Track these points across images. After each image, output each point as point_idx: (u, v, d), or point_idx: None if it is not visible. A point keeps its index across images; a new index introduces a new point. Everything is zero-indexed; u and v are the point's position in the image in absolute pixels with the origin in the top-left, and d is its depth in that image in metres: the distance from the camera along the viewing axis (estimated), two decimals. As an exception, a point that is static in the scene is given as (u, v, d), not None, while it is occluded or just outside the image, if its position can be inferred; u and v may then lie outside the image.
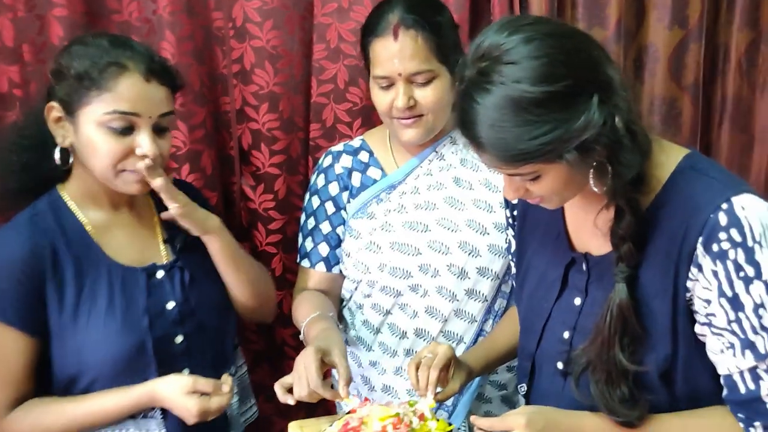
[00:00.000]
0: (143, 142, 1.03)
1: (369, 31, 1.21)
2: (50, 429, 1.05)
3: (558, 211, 0.99)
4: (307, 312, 1.21)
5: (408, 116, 1.20)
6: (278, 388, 1.07)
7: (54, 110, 1.05)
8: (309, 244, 1.33)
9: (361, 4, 1.47)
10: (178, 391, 1.04)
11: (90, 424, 1.06)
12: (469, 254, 1.23)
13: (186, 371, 1.12)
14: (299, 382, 1.03)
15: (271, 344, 1.65)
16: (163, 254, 1.15)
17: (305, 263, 1.33)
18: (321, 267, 1.32)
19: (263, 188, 1.53)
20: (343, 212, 1.31)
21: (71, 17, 1.34)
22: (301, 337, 1.21)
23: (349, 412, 1.01)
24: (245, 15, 1.45)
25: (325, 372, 1.06)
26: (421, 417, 0.97)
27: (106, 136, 1.02)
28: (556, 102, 0.78)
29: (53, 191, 1.10)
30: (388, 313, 1.27)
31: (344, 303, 1.37)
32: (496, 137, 0.80)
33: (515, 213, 1.09)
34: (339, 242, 1.31)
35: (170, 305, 1.11)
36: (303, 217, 1.35)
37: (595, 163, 0.83)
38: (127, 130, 1.02)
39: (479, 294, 1.24)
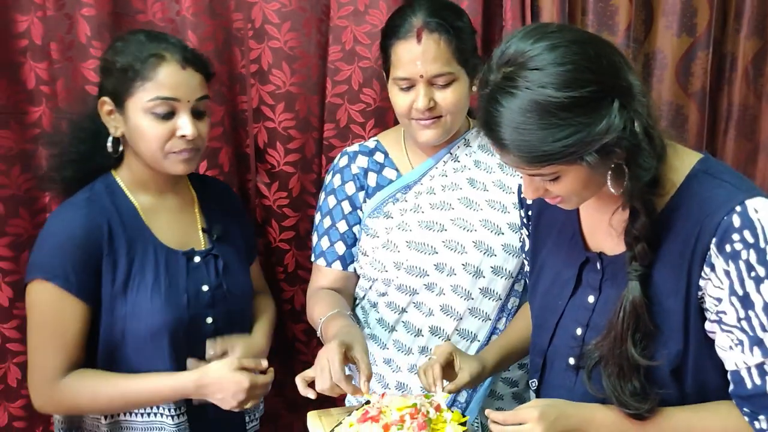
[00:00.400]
0: (183, 124, 1.13)
1: (391, 33, 1.23)
2: (101, 397, 1.13)
3: (573, 211, 1.02)
4: (324, 310, 1.23)
5: (428, 117, 1.22)
6: (300, 381, 1.08)
7: (106, 104, 1.16)
8: (325, 243, 1.34)
9: (377, 8, 1.51)
10: (227, 368, 1.12)
11: (137, 400, 1.14)
12: (485, 253, 1.25)
13: (211, 352, 1.20)
14: (322, 374, 1.04)
15: (281, 340, 1.68)
16: (201, 241, 1.25)
17: (321, 262, 1.35)
18: (337, 265, 1.34)
19: (278, 186, 1.57)
20: (359, 212, 1.33)
21: (99, 16, 1.39)
22: (318, 334, 1.22)
23: (366, 403, 1.04)
24: (264, 16, 1.50)
25: None
26: (437, 408, 1.00)
27: (152, 121, 1.12)
28: (580, 107, 0.81)
29: (108, 175, 1.21)
30: (403, 311, 1.29)
31: (357, 302, 1.39)
32: (520, 139, 0.83)
33: (530, 213, 1.12)
34: (355, 241, 1.33)
35: (205, 288, 1.21)
36: (318, 216, 1.37)
37: (613, 165, 0.86)
38: (169, 115, 1.13)
39: (493, 293, 1.26)
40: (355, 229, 1.33)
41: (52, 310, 1.11)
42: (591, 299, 0.98)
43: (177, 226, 1.23)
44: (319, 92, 1.57)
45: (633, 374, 0.89)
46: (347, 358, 1.07)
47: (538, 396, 1.06)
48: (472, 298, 1.26)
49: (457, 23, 1.23)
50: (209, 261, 1.23)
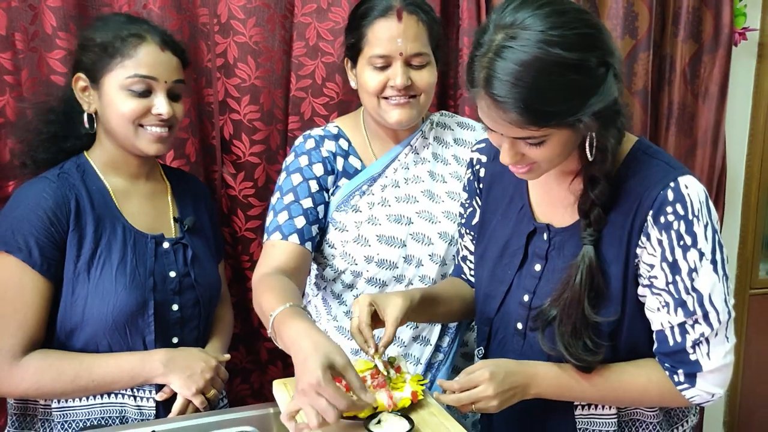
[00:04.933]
0: (159, 103, 1.15)
1: (368, 13, 1.24)
2: (65, 375, 1.09)
3: (522, 185, 1.08)
4: (274, 302, 1.03)
5: (403, 95, 1.23)
6: (286, 420, 0.90)
7: (80, 80, 1.17)
8: (283, 217, 1.26)
9: (339, 6, 1.57)
10: (195, 350, 1.16)
11: (103, 379, 1.11)
12: (449, 243, 1.30)
13: (175, 340, 1.20)
14: (321, 408, 0.84)
15: (247, 327, 1.71)
16: (172, 229, 1.25)
17: (275, 236, 1.24)
18: (294, 238, 1.24)
19: (243, 176, 1.60)
20: (325, 193, 1.31)
21: (64, 7, 1.40)
22: (269, 330, 1.01)
23: None
24: (230, 12, 1.53)
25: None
26: (398, 369, 1.04)
27: (128, 97, 1.14)
28: (586, 70, 0.84)
29: (80, 155, 1.20)
30: None
31: (316, 293, 1.39)
32: (526, 97, 0.83)
33: (481, 186, 1.17)
34: (316, 220, 1.28)
35: (172, 274, 1.20)
36: (277, 195, 1.30)
37: (591, 133, 0.90)
38: (146, 93, 1.15)
39: None
40: (320, 209, 1.29)
41: (12, 285, 1.07)
42: (538, 267, 1.04)
43: (148, 212, 1.23)
44: (284, 86, 1.61)
45: (585, 331, 0.95)
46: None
47: None
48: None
49: (429, 8, 1.28)
50: (178, 249, 1.23)
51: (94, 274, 1.11)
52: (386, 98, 1.25)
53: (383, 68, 1.23)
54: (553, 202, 1.04)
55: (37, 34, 1.42)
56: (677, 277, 0.93)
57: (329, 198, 1.33)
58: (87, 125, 1.18)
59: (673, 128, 1.96)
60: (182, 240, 1.24)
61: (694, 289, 0.92)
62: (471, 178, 1.20)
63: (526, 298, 1.05)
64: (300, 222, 1.27)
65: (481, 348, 1.13)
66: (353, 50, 1.28)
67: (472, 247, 1.20)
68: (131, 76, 1.13)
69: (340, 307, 1.35)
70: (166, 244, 1.21)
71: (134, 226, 1.19)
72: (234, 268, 1.66)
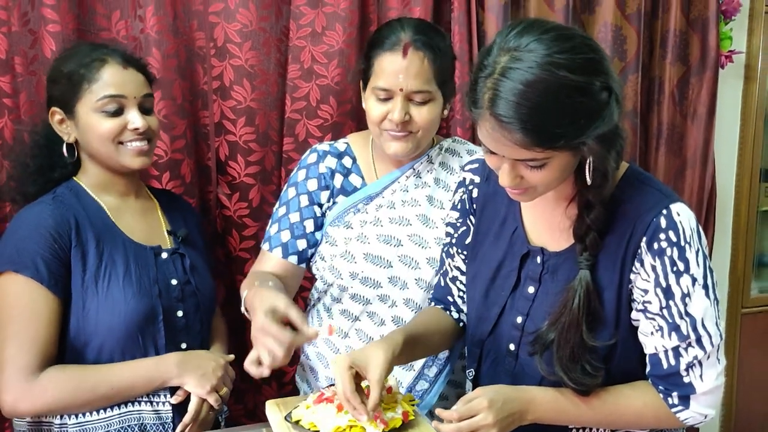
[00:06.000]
0: (133, 118, 1.20)
1: (377, 44, 1.26)
2: (85, 386, 1.12)
3: (515, 207, 1.09)
4: (249, 284, 1.20)
5: (400, 130, 1.25)
6: (250, 366, 1.04)
7: (56, 114, 1.21)
8: (273, 229, 1.34)
9: (334, 30, 1.60)
10: (204, 352, 1.22)
11: (120, 385, 1.14)
12: (437, 270, 1.27)
13: (184, 345, 1.24)
14: (269, 346, 1.00)
15: (240, 348, 1.70)
16: (167, 241, 1.30)
17: (265, 246, 1.35)
18: (278, 252, 1.32)
19: (238, 197, 1.62)
20: (316, 208, 1.34)
21: (63, 32, 1.43)
22: (242, 309, 1.19)
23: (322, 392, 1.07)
24: (226, 36, 1.56)
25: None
26: (389, 390, 1.05)
27: (102, 118, 1.19)
28: (592, 94, 0.85)
29: (70, 181, 1.24)
30: (356, 319, 1.32)
31: (313, 303, 1.42)
32: (532, 117, 0.84)
33: (474, 207, 1.16)
34: (303, 235, 1.33)
35: (174, 282, 1.25)
36: (276, 205, 1.38)
37: (591, 158, 0.90)
38: (119, 111, 1.19)
39: None
40: (308, 223, 1.33)
41: (23, 303, 1.10)
42: (531, 290, 1.05)
43: (143, 226, 1.27)
44: (279, 108, 1.63)
45: (584, 355, 0.95)
46: (283, 323, 1.02)
47: (476, 383, 1.11)
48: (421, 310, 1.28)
49: (441, 45, 1.27)
50: (176, 258, 1.27)
51: (102, 286, 1.15)
52: (386, 129, 1.27)
53: (385, 100, 1.25)
54: (548, 225, 1.05)
55: (36, 57, 1.44)
56: (671, 302, 0.94)
57: (324, 212, 1.35)
58: (67, 154, 1.22)
59: (663, 149, 1.99)
60: (178, 250, 1.29)
61: (688, 314, 0.94)
62: (464, 197, 1.19)
63: (519, 320, 1.05)
64: (285, 236, 1.33)
65: (472, 370, 1.14)
66: (364, 76, 1.31)
67: (463, 267, 1.20)
68: (101, 98, 1.17)
69: (329, 320, 1.36)
70: (164, 254, 1.25)
71: (132, 239, 1.22)
72: (228, 288, 1.67)
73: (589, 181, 0.92)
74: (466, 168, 1.20)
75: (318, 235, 1.35)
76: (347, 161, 1.38)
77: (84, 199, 1.22)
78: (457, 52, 1.72)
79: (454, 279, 1.22)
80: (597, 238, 0.96)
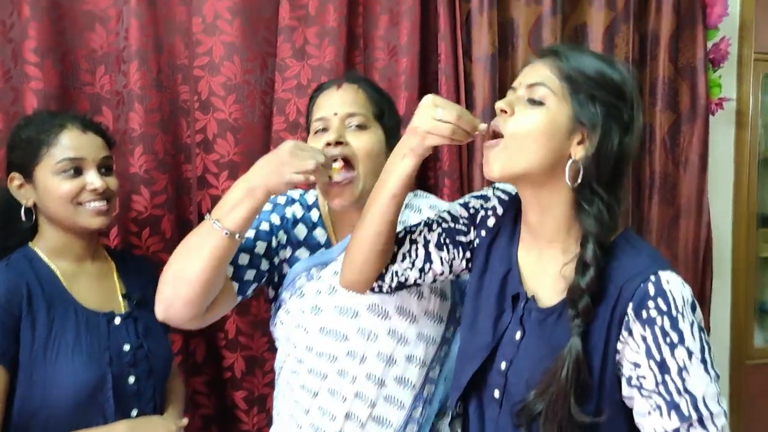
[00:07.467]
0: (92, 179, 1.21)
1: (317, 91, 1.28)
2: None
3: (514, 256, 1.05)
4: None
5: (339, 154, 1.17)
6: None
7: (15, 179, 1.22)
8: None
9: (318, 81, 1.60)
10: (156, 417, 1.19)
11: None
12: (398, 342, 1.20)
13: (134, 412, 1.21)
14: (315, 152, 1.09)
15: (221, 407, 1.65)
16: (121, 305, 1.28)
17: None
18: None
19: (221, 251, 1.59)
20: (273, 238, 1.24)
21: (46, 89, 1.43)
22: (211, 220, 1.09)
23: None
24: (210, 89, 1.56)
25: None
26: None
27: (61, 180, 1.20)
28: (623, 107, 0.93)
29: (25, 247, 1.24)
30: (316, 395, 1.22)
31: (278, 373, 1.31)
32: (578, 60, 0.94)
33: (483, 234, 1.10)
34: (250, 249, 1.21)
35: (126, 347, 1.22)
36: None
37: (580, 160, 0.93)
38: (77, 172, 1.21)
39: (407, 381, 1.20)
40: (260, 244, 1.22)
41: None
42: (518, 335, 1.00)
43: (97, 291, 1.26)
44: (263, 161, 1.62)
45: (572, 430, 0.90)
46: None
47: (465, 428, 1.05)
48: (386, 386, 1.20)
49: (380, 90, 1.27)
50: (129, 323, 1.26)
51: (50, 356, 1.13)
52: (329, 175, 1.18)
53: (323, 131, 1.21)
54: (542, 277, 1.01)
55: (17, 114, 1.43)
56: (667, 377, 0.88)
57: (279, 253, 1.26)
58: (25, 218, 1.23)
59: (656, 197, 1.97)
60: (132, 314, 1.27)
61: (687, 391, 0.88)
62: (480, 212, 1.12)
63: (503, 366, 1.00)
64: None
65: (457, 414, 1.07)
66: (307, 131, 1.29)
67: (431, 250, 1.10)
68: (60, 160, 1.19)
69: (291, 396, 1.25)
70: (117, 320, 1.24)
71: (85, 306, 1.21)
72: (209, 345, 1.62)
73: (568, 181, 0.93)
74: (497, 192, 1.13)
75: (264, 265, 1.23)
76: (314, 214, 1.30)
77: (37, 265, 1.21)
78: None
79: (413, 242, 1.12)
80: (590, 305, 0.92)
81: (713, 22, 1.96)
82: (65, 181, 1.19)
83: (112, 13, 1.51)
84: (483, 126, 0.99)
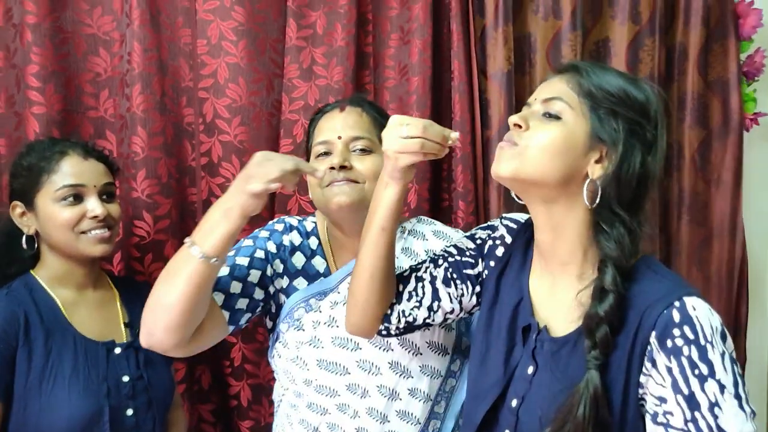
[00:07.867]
0: (92, 206, 1.20)
1: (318, 113, 1.26)
2: None
3: (525, 286, 0.99)
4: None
5: (342, 179, 1.15)
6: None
7: (17, 207, 1.22)
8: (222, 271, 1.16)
9: (327, 101, 1.55)
10: None
11: None
12: (401, 375, 1.16)
13: None
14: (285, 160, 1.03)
15: (229, 436, 1.61)
16: (123, 334, 1.27)
17: None
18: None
19: (226, 277, 1.55)
20: (269, 267, 1.20)
21: (48, 114, 1.41)
22: (189, 245, 1.04)
23: None
24: (215, 111, 1.53)
25: None
26: None
27: (62, 207, 1.19)
28: (646, 125, 0.89)
29: (26, 275, 1.23)
30: (316, 430, 1.18)
31: (277, 406, 1.28)
32: (599, 77, 0.91)
33: (492, 264, 1.05)
34: (244, 278, 1.17)
35: (125, 378, 1.22)
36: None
37: (597, 182, 0.88)
38: (78, 199, 1.20)
39: (411, 416, 1.17)
40: (253, 272, 1.18)
41: None
42: (530, 370, 0.94)
43: (98, 320, 1.25)
44: (270, 184, 1.58)
45: None
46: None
47: None
48: (389, 421, 1.16)
49: (384, 113, 1.24)
50: (130, 353, 1.24)
51: (46, 387, 1.12)
52: (326, 185, 1.16)
53: (326, 154, 1.19)
54: (556, 306, 0.95)
55: (20, 139, 1.42)
56: (696, 414, 0.81)
57: (274, 281, 1.21)
58: (26, 246, 1.22)
59: (686, 217, 1.86)
60: (134, 343, 1.24)
61: (720, 429, 0.80)
62: (488, 242, 1.07)
63: (514, 403, 0.94)
64: (223, 270, 1.14)
65: None
66: (306, 151, 1.27)
67: (438, 286, 1.05)
68: (60, 187, 1.19)
69: (290, 431, 1.22)
70: (117, 350, 1.23)
71: (84, 335, 1.20)
72: (214, 375, 1.58)
73: (586, 202, 0.89)
74: (504, 221, 1.09)
75: (259, 294, 1.18)
76: (313, 242, 1.27)
77: (38, 293, 1.20)
78: (458, 123, 1.65)
79: (419, 279, 1.07)
80: (609, 335, 0.85)
81: (747, 34, 1.85)
82: (65, 209, 1.18)
83: (116, 36, 1.49)
84: (455, 135, 0.96)
